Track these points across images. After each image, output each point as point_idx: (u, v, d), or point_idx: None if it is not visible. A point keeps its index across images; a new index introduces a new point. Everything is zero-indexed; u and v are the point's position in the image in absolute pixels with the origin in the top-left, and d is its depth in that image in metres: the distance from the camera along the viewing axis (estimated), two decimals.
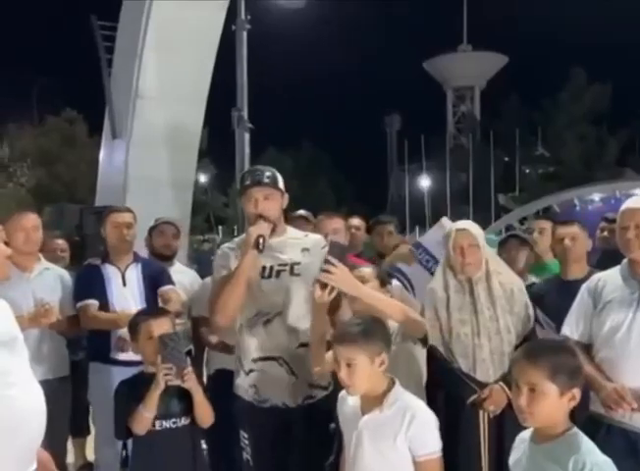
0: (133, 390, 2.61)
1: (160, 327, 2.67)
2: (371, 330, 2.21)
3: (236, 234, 26.81)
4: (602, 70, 37.50)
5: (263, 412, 2.74)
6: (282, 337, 2.72)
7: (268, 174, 2.83)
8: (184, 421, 2.60)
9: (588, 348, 2.64)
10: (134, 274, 3.61)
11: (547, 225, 4.04)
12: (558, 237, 3.43)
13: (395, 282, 3.17)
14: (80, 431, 4.41)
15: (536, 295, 3.15)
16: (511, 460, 2.09)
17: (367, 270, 2.71)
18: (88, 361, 3.62)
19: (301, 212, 4.68)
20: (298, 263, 2.79)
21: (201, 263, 10.53)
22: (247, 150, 12.55)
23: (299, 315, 2.76)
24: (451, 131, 45.16)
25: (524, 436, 2.06)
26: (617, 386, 2.44)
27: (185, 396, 2.61)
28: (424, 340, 2.63)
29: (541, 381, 1.85)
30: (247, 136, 12.45)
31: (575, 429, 1.93)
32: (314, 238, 2.95)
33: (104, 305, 3.50)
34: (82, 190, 22.87)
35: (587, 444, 1.88)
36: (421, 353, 2.70)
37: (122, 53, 12.20)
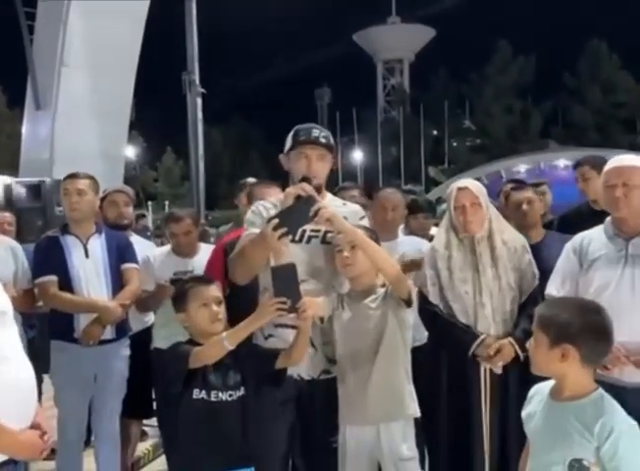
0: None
1: (213, 293, 2.50)
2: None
3: (166, 210, 26.20)
4: (526, 43, 38.45)
5: None
6: None
7: (324, 133, 2.64)
8: (239, 393, 2.49)
9: None
10: (98, 245, 3.37)
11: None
12: (515, 203, 3.43)
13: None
14: None
15: None
16: (525, 413, 2.06)
17: (359, 231, 2.56)
18: (43, 339, 3.39)
19: (252, 180, 4.48)
20: (332, 231, 2.60)
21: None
22: (200, 115, 12.03)
23: (326, 285, 2.62)
24: (381, 105, 45.45)
25: (541, 388, 2.01)
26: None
27: (240, 368, 2.49)
28: (408, 302, 2.57)
29: (536, 329, 1.91)
30: (200, 101, 11.93)
31: (600, 391, 1.89)
32: (352, 208, 2.78)
33: (65, 279, 3.27)
34: (3, 165, 21.80)
35: (614, 408, 1.85)
36: (410, 315, 2.62)
37: (45, 19, 11.52)
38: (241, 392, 2.49)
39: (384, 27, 45.29)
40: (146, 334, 3.63)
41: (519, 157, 26.18)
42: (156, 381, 3.51)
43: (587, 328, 1.85)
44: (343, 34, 46.72)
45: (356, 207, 2.83)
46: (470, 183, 2.91)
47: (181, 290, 2.58)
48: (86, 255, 3.32)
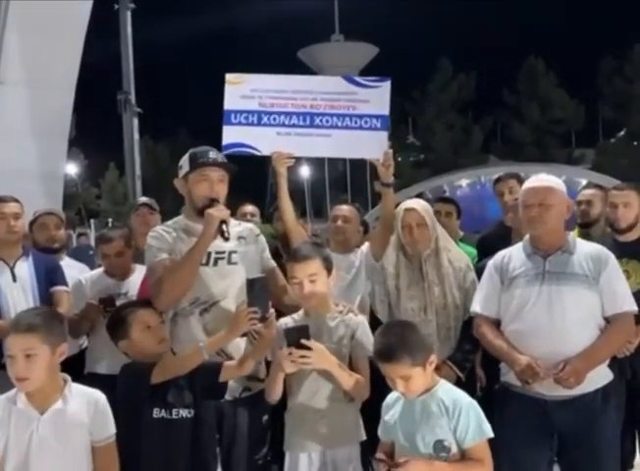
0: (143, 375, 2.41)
1: (152, 317, 2.52)
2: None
3: (110, 227, 25.75)
4: (466, 61, 39.51)
5: None
6: (219, 327, 2.57)
7: (222, 155, 2.77)
8: (194, 410, 2.51)
9: (497, 323, 2.72)
10: (25, 268, 3.33)
11: (451, 208, 4.17)
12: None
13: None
14: None
15: None
16: (389, 417, 2.28)
17: (316, 264, 2.55)
18: None
19: (143, 199, 4.49)
20: (235, 252, 2.71)
21: (78, 258, 9.97)
22: (137, 136, 11.97)
23: (237, 305, 2.62)
24: None
25: (394, 397, 2.31)
26: (531, 360, 2.53)
27: (192, 386, 2.50)
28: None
29: (408, 371, 2.15)
30: (136, 121, 11.86)
31: (438, 379, 2.27)
32: (247, 226, 2.90)
33: None
34: None
35: (455, 390, 2.28)
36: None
37: None
38: (195, 408, 2.52)
39: (327, 45, 45.75)
40: (79, 358, 3.56)
41: (461, 172, 26.74)
42: None
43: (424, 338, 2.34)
44: (287, 51, 47.06)
45: (250, 225, 2.99)
46: (417, 204, 3.03)
47: (119, 316, 2.56)
48: (14, 279, 3.28)
